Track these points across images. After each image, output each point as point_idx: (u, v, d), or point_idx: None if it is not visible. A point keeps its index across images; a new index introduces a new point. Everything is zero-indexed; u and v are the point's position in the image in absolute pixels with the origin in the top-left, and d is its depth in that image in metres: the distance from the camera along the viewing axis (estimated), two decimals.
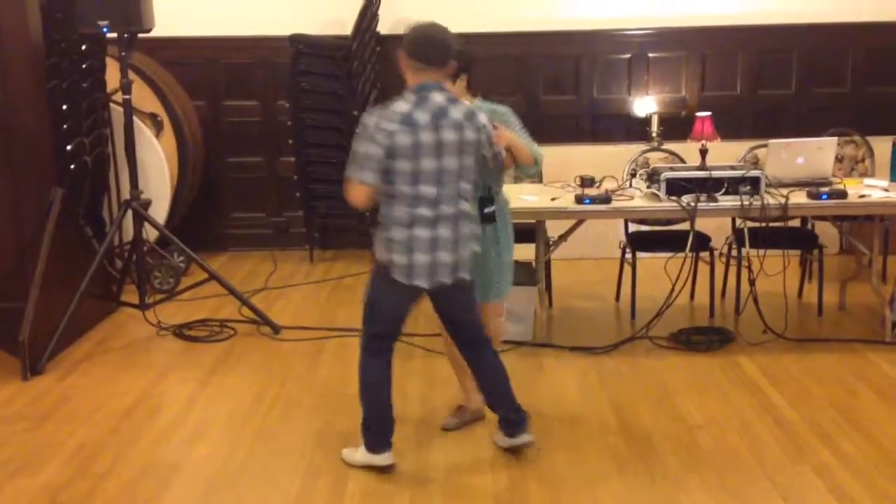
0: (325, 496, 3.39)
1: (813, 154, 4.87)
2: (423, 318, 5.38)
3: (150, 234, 5.52)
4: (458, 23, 6.51)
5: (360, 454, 3.56)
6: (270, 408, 4.17)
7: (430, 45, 3.35)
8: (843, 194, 4.65)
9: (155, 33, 5.16)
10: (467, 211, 3.44)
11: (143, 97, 6.03)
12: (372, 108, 3.43)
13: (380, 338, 3.52)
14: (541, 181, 5.42)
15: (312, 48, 6.46)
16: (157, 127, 6.11)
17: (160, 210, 5.96)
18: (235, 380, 4.52)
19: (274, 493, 3.42)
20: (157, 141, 6.01)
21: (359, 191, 3.32)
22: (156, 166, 5.95)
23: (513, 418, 3.64)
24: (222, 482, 3.51)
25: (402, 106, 3.32)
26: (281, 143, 6.81)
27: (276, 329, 5.15)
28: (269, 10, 6.72)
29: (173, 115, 6.27)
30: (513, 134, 3.71)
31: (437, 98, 3.34)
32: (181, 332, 5.16)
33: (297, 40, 6.43)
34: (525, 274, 4.76)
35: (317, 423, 3.99)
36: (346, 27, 6.45)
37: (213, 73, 6.88)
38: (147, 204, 5.45)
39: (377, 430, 3.53)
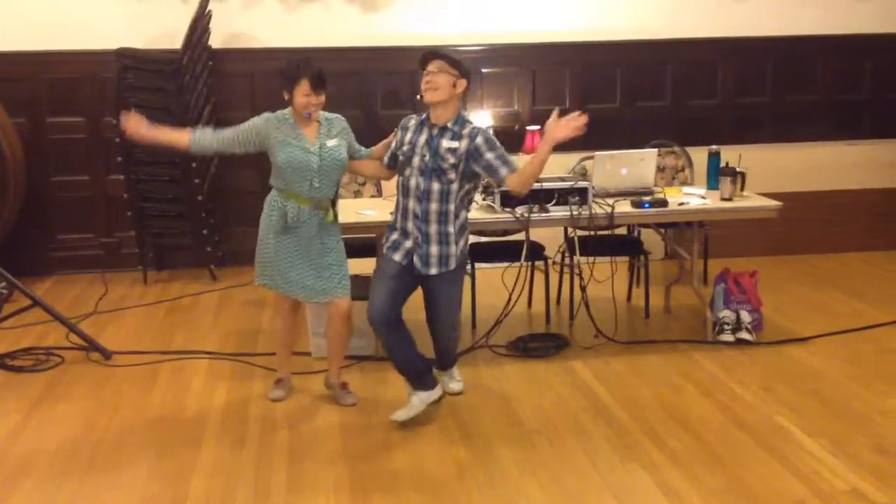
0: None
1: (636, 165, 5.11)
2: (263, 335, 5.32)
3: None
4: (287, 39, 6.56)
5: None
6: (101, 437, 4.00)
7: None
8: (663, 202, 4.91)
9: None
10: None
11: None
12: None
13: None
14: (380, 195, 5.45)
15: (140, 62, 6.26)
16: None
17: None
18: (63, 410, 4.30)
19: None
20: None
21: None
22: None
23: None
24: None
25: None
26: (109, 161, 6.54)
27: (106, 355, 4.93)
28: (94, 24, 6.45)
29: None
30: None
31: None
32: (3, 362, 4.86)
33: (123, 54, 6.21)
34: (366, 288, 4.76)
35: (151, 451, 3.85)
36: (176, 41, 6.28)
37: (35, 88, 6.54)
38: None
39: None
